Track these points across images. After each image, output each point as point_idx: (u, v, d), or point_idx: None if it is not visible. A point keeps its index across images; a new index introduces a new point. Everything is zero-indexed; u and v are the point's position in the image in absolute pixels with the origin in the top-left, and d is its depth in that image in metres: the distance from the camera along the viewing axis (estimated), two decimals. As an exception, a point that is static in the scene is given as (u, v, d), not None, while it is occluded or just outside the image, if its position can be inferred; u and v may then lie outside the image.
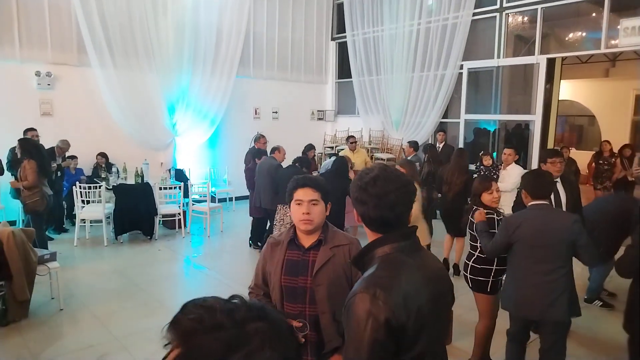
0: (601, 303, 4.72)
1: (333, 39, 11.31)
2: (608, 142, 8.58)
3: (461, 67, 8.58)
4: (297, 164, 6.15)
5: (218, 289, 4.99)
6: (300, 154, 7.25)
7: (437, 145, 8.26)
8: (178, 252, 6.57)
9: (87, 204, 6.56)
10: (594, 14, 7.52)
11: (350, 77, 10.67)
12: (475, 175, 5.49)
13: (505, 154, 5.82)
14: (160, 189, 6.99)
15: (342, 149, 9.30)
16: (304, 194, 1.97)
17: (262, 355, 0.67)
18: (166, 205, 7.17)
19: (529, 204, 2.98)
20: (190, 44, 8.77)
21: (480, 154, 6.62)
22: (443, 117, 9.07)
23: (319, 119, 11.39)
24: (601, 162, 8.36)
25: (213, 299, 0.73)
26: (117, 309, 4.53)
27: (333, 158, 6.95)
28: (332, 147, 10.50)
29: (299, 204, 1.97)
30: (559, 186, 4.07)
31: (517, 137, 8.66)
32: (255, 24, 9.94)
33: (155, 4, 8.28)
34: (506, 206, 4.73)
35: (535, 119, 7.66)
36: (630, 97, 12.38)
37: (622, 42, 6.71)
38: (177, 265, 6.15)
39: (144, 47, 8.28)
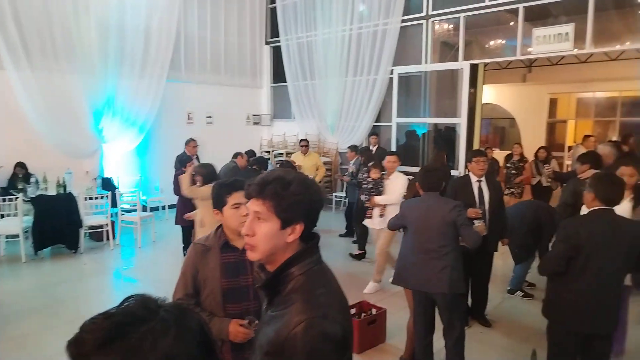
0: (522, 294, 5.04)
1: (267, 43, 11.27)
2: (519, 144, 8.42)
3: (392, 72, 8.85)
4: (255, 167, 6.05)
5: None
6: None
7: (371, 148, 8.46)
8: (106, 265, 6.22)
9: (1, 217, 6.05)
10: (511, 23, 8.04)
11: (285, 82, 10.67)
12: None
13: (388, 161, 5.20)
14: (86, 199, 6.60)
15: (290, 154, 9.29)
16: (241, 197, 2.06)
17: (189, 321, 0.77)
18: (92, 216, 6.78)
19: (422, 194, 3.42)
20: (115, 45, 8.36)
21: (369, 164, 5.65)
22: (376, 121, 9.30)
23: (255, 123, 11.29)
24: (509, 166, 8.06)
25: (113, 309, 0.77)
26: (38, 330, 4.20)
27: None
28: (268, 152, 10.45)
29: (237, 207, 2.09)
30: (483, 185, 4.30)
31: (445, 138, 9.05)
32: (186, 25, 9.69)
33: (75, 2, 7.82)
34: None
35: (461, 121, 8.07)
36: (545, 100, 13.41)
37: (535, 50, 7.24)
38: (105, 279, 5.82)
39: (64, 48, 7.79)
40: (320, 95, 9.94)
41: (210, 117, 10.27)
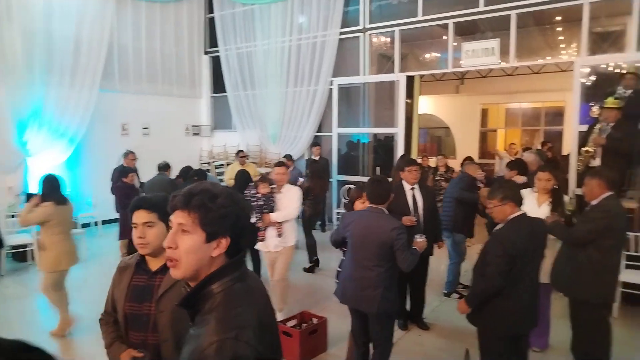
0: (458, 296, 5.24)
1: (206, 52, 11.10)
2: (444, 156, 8.41)
3: (331, 82, 8.99)
4: (195, 178, 5.85)
5: (82, 325, 4.54)
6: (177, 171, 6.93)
7: (314, 158, 8.54)
8: (32, 288, 5.79)
9: None
10: (444, 37, 8.43)
11: (225, 92, 10.55)
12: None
13: (277, 173, 4.57)
14: (8, 216, 6.15)
15: (223, 164, 9.14)
16: (137, 217, 1.90)
17: None
18: (16, 235, 6.32)
19: (367, 206, 3.28)
20: (42, 53, 7.90)
21: (255, 180, 5.23)
22: (318, 131, 9.39)
23: (195, 134, 11.05)
24: (437, 178, 7.95)
25: None
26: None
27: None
28: (208, 163, 10.25)
29: (134, 227, 1.90)
30: (417, 192, 4.45)
31: (385, 148, 9.30)
32: (120, 34, 9.35)
33: (-4, 8, 7.34)
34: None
35: (399, 131, 8.33)
36: (477, 110, 14.13)
37: (465, 63, 7.63)
38: (31, 303, 5.43)
39: (-16, 56, 7.28)
40: (261, 106, 9.91)
41: (147, 128, 9.93)
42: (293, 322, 4.08)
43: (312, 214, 6.45)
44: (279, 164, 4.82)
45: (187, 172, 6.52)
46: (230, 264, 1.26)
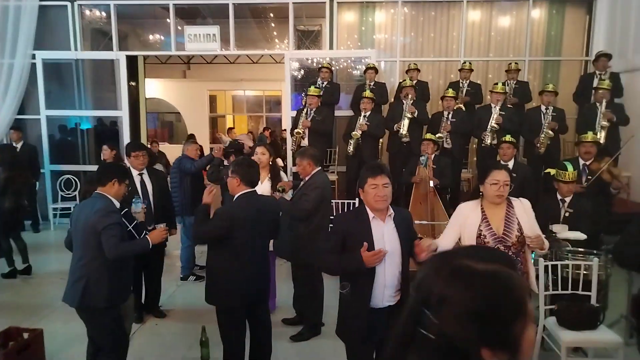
0: (195, 277, 5.29)
1: None
2: (155, 141, 8.84)
3: (34, 56, 7.60)
4: None
5: None
6: None
7: (15, 145, 7.11)
8: None
9: None
10: (167, 20, 8.17)
11: None
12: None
13: None
14: None
15: None
16: None
17: None
18: None
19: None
20: None
21: None
22: (19, 113, 7.82)
23: None
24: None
25: None
26: None
27: None
28: None
29: None
30: (145, 177, 4.28)
31: (111, 133, 8.49)
32: None
33: None
34: None
35: (123, 114, 7.73)
36: (205, 96, 14.43)
37: (188, 47, 7.61)
38: None
39: None
40: None
41: None
42: (-5, 344, 3.34)
43: (13, 212, 5.35)
44: None
45: None
46: None
